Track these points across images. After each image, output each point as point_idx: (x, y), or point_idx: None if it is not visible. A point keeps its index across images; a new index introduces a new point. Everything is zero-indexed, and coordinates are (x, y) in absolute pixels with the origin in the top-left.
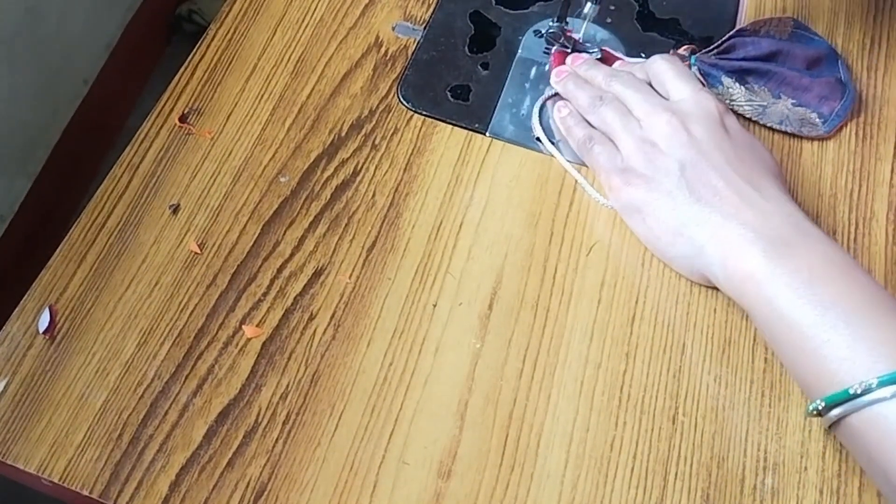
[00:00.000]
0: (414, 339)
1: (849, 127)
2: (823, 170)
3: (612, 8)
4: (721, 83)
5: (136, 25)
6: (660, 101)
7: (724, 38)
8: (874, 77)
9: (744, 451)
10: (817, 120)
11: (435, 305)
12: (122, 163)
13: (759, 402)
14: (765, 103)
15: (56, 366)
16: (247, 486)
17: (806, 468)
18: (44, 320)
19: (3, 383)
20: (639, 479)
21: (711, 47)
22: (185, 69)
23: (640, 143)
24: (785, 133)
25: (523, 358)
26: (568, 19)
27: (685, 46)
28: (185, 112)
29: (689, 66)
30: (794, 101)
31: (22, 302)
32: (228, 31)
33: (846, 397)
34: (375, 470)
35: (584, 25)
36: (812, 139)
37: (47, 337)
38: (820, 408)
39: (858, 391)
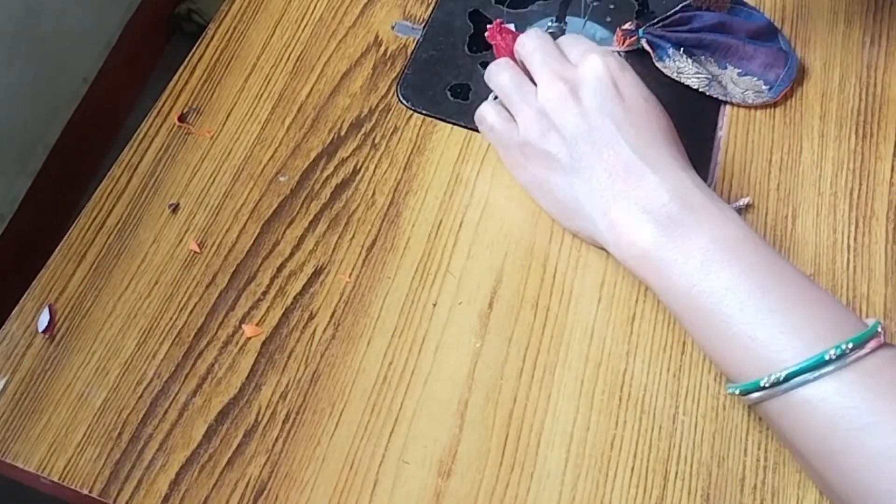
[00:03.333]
0: (414, 338)
1: (849, 125)
2: (823, 168)
3: (612, 7)
4: (668, 55)
5: (135, 24)
6: (557, 68)
7: (669, 13)
8: (874, 76)
9: (744, 451)
10: (763, 87)
11: (435, 304)
12: (121, 162)
13: None
14: (710, 75)
15: (55, 365)
16: (247, 485)
17: None
18: (43, 319)
19: (3, 382)
20: (639, 478)
21: (657, 20)
22: (185, 68)
23: (535, 115)
24: (780, 128)
25: (523, 357)
26: (567, 19)
27: (630, 22)
28: (185, 111)
29: (638, 39)
30: (739, 70)
31: (21, 301)
32: (228, 31)
33: (757, 387)
34: (375, 469)
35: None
36: (757, 107)
37: (47, 336)
38: (736, 394)
39: (767, 384)
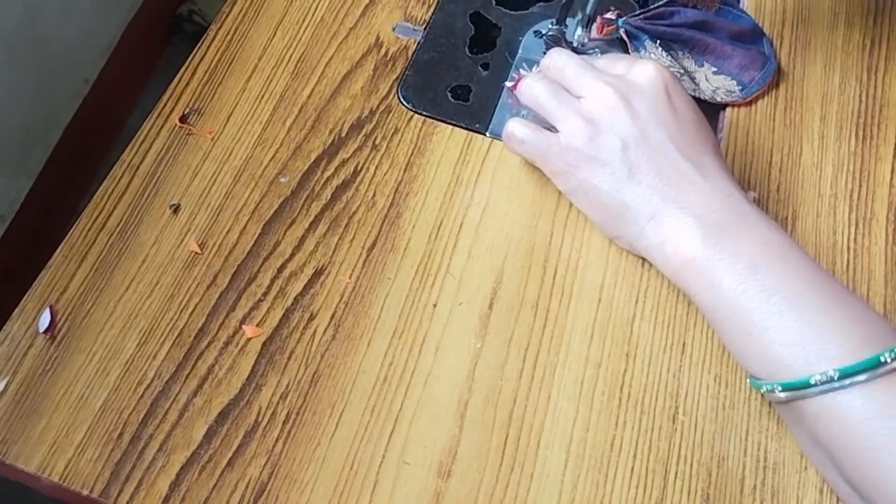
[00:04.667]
0: (414, 338)
1: (849, 128)
2: (823, 170)
3: (612, 8)
4: (645, 47)
5: (136, 25)
6: (601, 75)
7: (653, 6)
8: (874, 78)
9: (744, 451)
10: (735, 87)
11: (435, 305)
12: (122, 163)
13: (760, 401)
14: (683, 70)
15: (56, 365)
16: (247, 486)
17: (806, 468)
18: (44, 320)
19: (4, 383)
20: (639, 478)
21: (639, 12)
22: (186, 69)
23: (580, 121)
24: (780, 130)
25: (523, 358)
26: (567, 21)
27: (611, 11)
28: (186, 112)
29: (617, 29)
30: (715, 68)
31: (22, 302)
32: (229, 32)
33: (806, 385)
34: (375, 470)
35: (579, 30)
36: (728, 105)
37: (48, 337)
38: (777, 391)
39: (819, 381)
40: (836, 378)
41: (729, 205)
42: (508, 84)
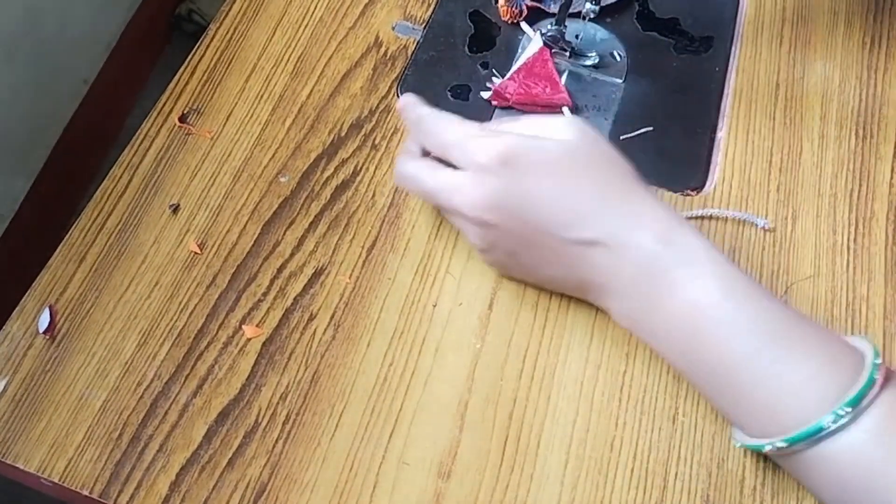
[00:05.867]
0: (414, 339)
1: (849, 126)
2: (823, 170)
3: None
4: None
5: (135, 25)
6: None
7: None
8: (874, 77)
9: (744, 452)
10: None
11: (435, 305)
12: (121, 163)
13: None
14: None
15: (56, 366)
16: (247, 487)
17: None
18: (44, 320)
19: (3, 383)
20: (639, 479)
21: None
22: (185, 69)
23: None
24: (780, 129)
25: (523, 358)
26: (567, 22)
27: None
28: (185, 112)
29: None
30: None
31: (22, 302)
32: (228, 31)
33: (819, 432)
34: (375, 470)
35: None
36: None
37: (47, 337)
38: (782, 447)
39: (832, 426)
40: (843, 416)
41: (645, 266)
42: (485, 95)
